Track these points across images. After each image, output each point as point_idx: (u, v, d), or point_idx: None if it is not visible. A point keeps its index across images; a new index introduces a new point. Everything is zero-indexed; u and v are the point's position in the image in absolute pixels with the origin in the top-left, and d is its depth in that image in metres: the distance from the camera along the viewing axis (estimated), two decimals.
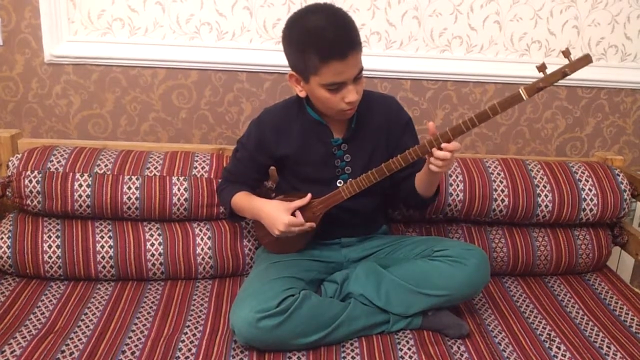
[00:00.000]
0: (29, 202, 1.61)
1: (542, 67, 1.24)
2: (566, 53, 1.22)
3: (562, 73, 1.23)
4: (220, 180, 1.65)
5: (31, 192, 1.60)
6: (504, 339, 1.44)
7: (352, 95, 1.34)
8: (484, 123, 1.95)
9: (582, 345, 1.42)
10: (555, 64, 1.93)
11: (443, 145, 1.29)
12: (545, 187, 1.74)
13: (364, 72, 1.37)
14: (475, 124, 1.29)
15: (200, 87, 1.87)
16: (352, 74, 1.32)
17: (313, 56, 1.28)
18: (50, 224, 1.64)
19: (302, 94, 1.42)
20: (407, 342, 1.40)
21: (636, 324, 1.54)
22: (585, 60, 1.22)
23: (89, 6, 1.77)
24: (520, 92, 1.26)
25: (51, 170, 1.62)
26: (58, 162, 1.63)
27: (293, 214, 1.44)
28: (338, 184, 1.49)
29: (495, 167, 1.78)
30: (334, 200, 1.45)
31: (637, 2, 1.89)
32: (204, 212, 1.67)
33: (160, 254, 1.63)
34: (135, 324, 1.43)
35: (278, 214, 1.43)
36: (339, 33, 1.28)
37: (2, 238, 1.61)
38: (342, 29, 1.29)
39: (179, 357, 1.31)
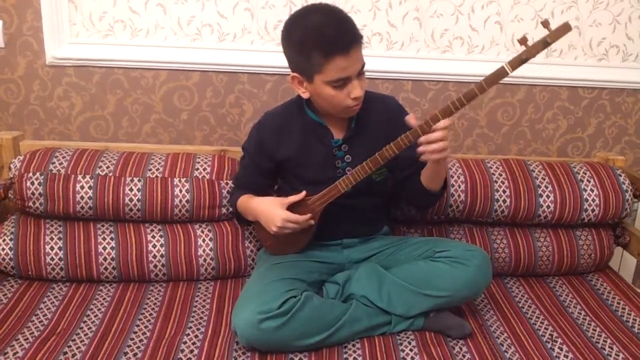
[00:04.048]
0: (30, 204, 1.61)
1: (523, 40, 1.24)
2: (545, 23, 1.22)
3: (544, 42, 1.23)
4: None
5: (33, 194, 1.60)
6: (506, 340, 1.44)
7: (357, 90, 1.34)
8: (487, 124, 1.98)
9: (584, 346, 1.42)
10: (557, 64, 1.92)
11: (434, 126, 1.29)
12: (546, 187, 1.74)
13: (365, 73, 1.37)
14: (464, 104, 1.27)
15: (202, 88, 1.88)
16: (356, 69, 1.33)
17: (316, 54, 1.29)
18: (52, 225, 1.64)
19: (306, 95, 1.42)
20: (409, 343, 1.40)
21: (638, 325, 1.53)
22: (565, 28, 1.21)
23: (90, 8, 1.77)
24: (505, 66, 1.25)
25: (53, 172, 1.62)
26: (60, 164, 1.63)
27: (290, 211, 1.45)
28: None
29: (496, 167, 1.78)
30: (332, 195, 1.45)
31: (638, 3, 1.89)
32: (205, 213, 1.67)
33: (162, 256, 1.63)
34: (137, 326, 1.44)
35: (274, 209, 1.43)
36: (340, 28, 1.30)
37: (4, 240, 1.61)
38: (342, 24, 1.31)
39: (181, 358, 1.31)
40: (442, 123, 1.28)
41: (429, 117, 1.29)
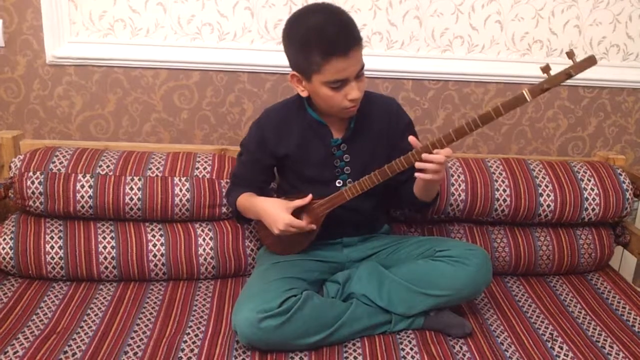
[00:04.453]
0: (31, 203, 1.61)
1: (546, 69, 1.24)
2: (570, 54, 1.22)
3: (567, 74, 1.23)
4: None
5: (33, 193, 1.60)
6: (506, 339, 1.44)
7: (354, 92, 1.34)
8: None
9: (585, 345, 1.42)
10: (556, 63, 1.92)
11: (435, 150, 1.30)
12: (547, 186, 1.74)
13: (365, 72, 1.37)
14: (479, 126, 1.29)
15: (202, 87, 1.88)
16: (354, 71, 1.32)
17: (315, 54, 1.29)
18: (52, 225, 1.64)
19: (304, 94, 1.42)
20: (410, 342, 1.40)
21: (639, 324, 1.53)
22: (590, 61, 1.22)
23: (90, 7, 1.77)
24: (524, 93, 1.26)
25: (53, 171, 1.62)
26: (60, 163, 1.63)
27: (293, 214, 1.45)
28: (337, 184, 1.50)
29: (497, 167, 1.78)
30: (337, 202, 1.45)
31: (638, 2, 1.89)
32: (205, 212, 1.67)
33: (162, 255, 1.63)
34: (138, 325, 1.44)
35: (278, 212, 1.44)
36: (340, 30, 1.29)
37: (4, 239, 1.61)
38: (342, 26, 1.30)
39: (181, 357, 1.31)
40: (444, 151, 1.30)
41: (442, 136, 1.31)
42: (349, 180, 1.47)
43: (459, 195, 1.72)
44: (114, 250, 1.62)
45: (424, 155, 1.31)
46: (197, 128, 1.92)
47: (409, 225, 1.79)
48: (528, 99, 1.26)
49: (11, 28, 1.78)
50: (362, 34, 1.35)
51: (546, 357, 1.37)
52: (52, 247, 1.60)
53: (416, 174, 1.33)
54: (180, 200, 1.64)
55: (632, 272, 2.16)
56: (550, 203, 1.73)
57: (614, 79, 1.96)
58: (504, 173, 1.76)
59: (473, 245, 1.54)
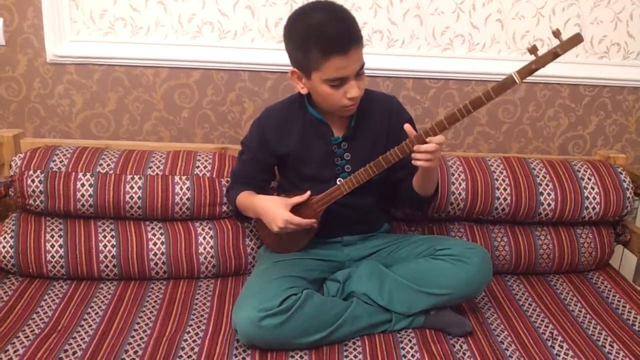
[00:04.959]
0: (31, 201, 1.61)
1: (533, 49, 1.24)
2: (557, 33, 1.22)
3: (554, 54, 1.23)
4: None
5: (34, 191, 1.60)
6: (506, 338, 1.44)
7: (354, 90, 1.34)
8: (488, 122, 1.98)
9: (585, 344, 1.42)
10: (558, 62, 1.92)
11: (429, 138, 1.30)
12: (547, 185, 1.74)
13: (366, 71, 1.37)
14: (470, 111, 1.28)
15: (203, 86, 1.88)
16: (354, 69, 1.32)
17: (315, 51, 1.29)
18: (52, 223, 1.64)
19: (304, 91, 1.42)
20: (410, 340, 1.40)
21: (639, 322, 1.53)
22: (576, 39, 1.22)
23: (91, 6, 1.77)
24: (513, 75, 1.25)
25: (54, 169, 1.62)
26: (60, 162, 1.64)
27: (292, 212, 1.45)
28: (338, 182, 1.49)
29: (497, 165, 1.78)
30: (334, 196, 1.45)
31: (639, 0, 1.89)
32: (206, 211, 1.67)
33: (162, 253, 1.63)
34: (138, 323, 1.44)
35: (277, 209, 1.44)
36: (340, 28, 1.29)
37: (5, 238, 1.61)
38: (343, 24, 1.30)
39: (181, 356, 1.31)
40: (437, 139, 1.30)
41: (434, 123, 1.31)
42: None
43: (460, 194, 1.72)
44: (115, 248, 1.62)
45: (416, 147, 1.31)
46: (197, 127, 1.92)
47: (409, 224, 1.79)
48: (517, 81, 1.25)
49: (12, 27, 1.78)
50: (363, 32, 1.35)
51: (546, 355, 1.37)
52: (52, 246, 1.60)
53: (412, 161, 1.33)
54: (181, 199, 1.65)
55: (632, 271, 2.16)
56: (551, 202, 1.73)
57: (615, 78, 1.95)
58: (504, 172, 1.76)
59: (473, 244, 1.54)
